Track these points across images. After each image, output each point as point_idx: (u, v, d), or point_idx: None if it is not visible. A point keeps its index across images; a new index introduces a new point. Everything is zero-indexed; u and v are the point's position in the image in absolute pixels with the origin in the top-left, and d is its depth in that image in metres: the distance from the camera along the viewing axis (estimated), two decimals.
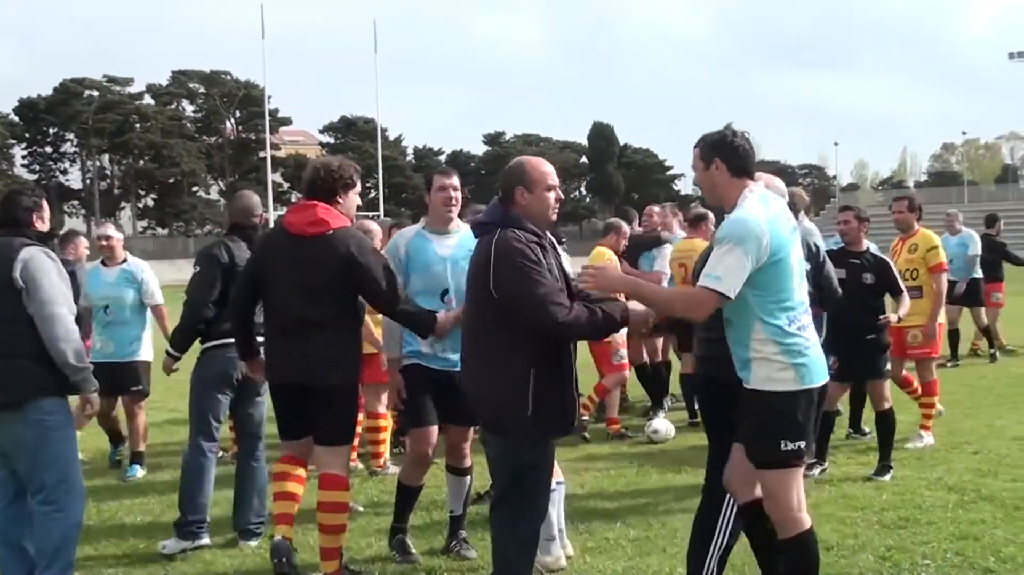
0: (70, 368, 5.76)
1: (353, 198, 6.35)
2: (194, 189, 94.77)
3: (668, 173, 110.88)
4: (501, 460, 5.23)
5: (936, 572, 6.19)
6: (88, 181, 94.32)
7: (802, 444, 4.95)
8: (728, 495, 5.38)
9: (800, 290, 5.02)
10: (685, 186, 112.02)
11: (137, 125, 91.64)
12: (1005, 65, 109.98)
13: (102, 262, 10.04)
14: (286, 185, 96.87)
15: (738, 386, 5.03)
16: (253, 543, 7.18)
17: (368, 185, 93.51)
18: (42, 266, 5.77)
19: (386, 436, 9.58)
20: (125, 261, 9.97)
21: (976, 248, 15.97)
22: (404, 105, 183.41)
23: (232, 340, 6.78)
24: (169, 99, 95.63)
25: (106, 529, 7.74)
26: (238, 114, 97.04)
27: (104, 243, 9.88)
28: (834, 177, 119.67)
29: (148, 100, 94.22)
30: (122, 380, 9.74)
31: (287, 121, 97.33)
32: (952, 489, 8.10)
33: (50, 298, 5.73)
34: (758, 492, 5.16)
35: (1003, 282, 16.98)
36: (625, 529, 7.24)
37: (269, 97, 76.93)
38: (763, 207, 4.94)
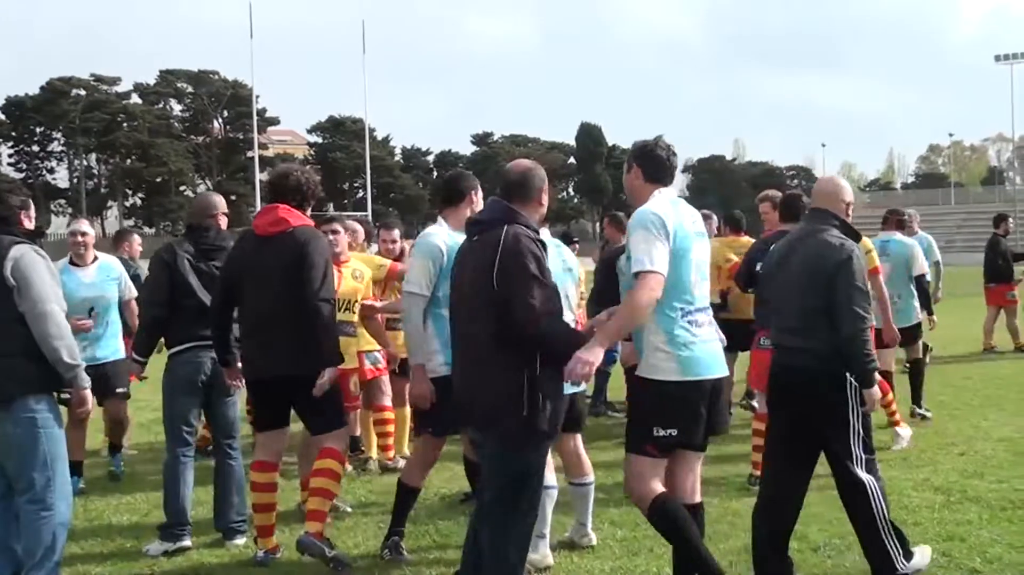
0: (63, 365, 5.78)
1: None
2: (181, 188, 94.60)
3: None
4: (497, 462, 5.23)
5: (923, 572, 6.20)
6: (75, 180, 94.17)
7: (674, 432, 5.34)
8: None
9: (698, 288, 5.39)
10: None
11: (124, 124, 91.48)
12: (992, 67, 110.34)
13: (71, 262, 9.11)
14: None
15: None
16: (239, 542, 7.18)
17: (356, 185, 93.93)
18: (33, 264, 5.77)
19: (393, 429, 9.62)
20: (96, 259, 9.27)
21: (935, 254, 14.33)
22: (392, 105, 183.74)
23: (196, 343, 7.02)
24: (156, 98, 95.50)
25: (93, 529, 7.73)
26: (226, 113, 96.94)
27: (80, 239, 9.10)
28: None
29: (136, 99, 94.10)
30: (108, 382, 9.09)
31: (275, 121, 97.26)
32: (938, 490, 8.13)
33: (42, 296, 5.73)
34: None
35: (1012, 281, 17.15)
36: (613, 529, 7.25)
37: (257, 97, 76.94)
38: (670, 206, 5.42)
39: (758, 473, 7.48)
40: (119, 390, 9.29)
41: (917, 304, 11.18)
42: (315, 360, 6.42)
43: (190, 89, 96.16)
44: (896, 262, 11.00)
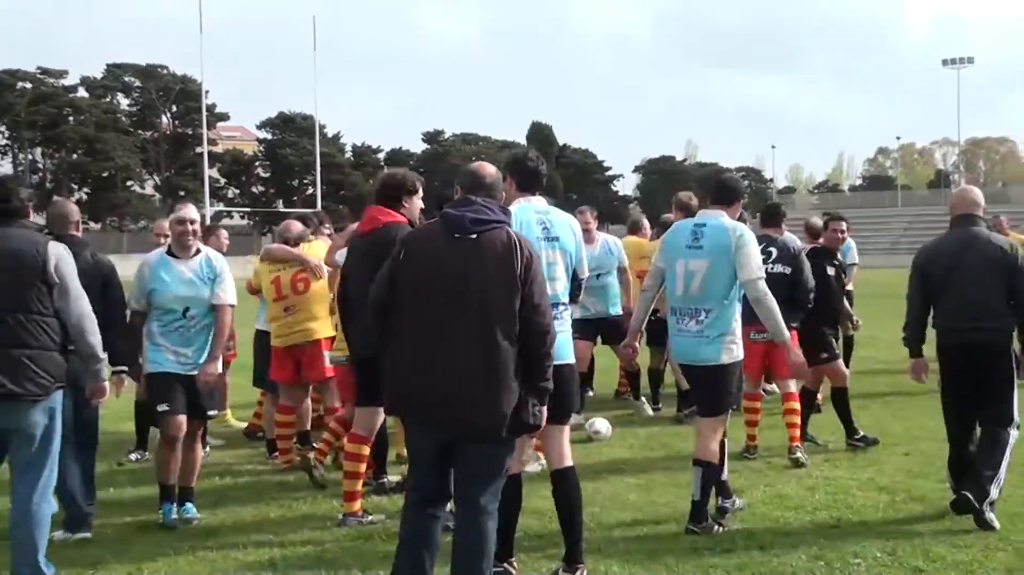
0: (96, 360, 6.20)
1: (416, 202, 7.51)
2: (128, 184, 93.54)
3: (607, 174, 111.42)
4: (499, 461, 5.40)
5: (867, 571, 6.27)
6: (20, 174, 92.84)
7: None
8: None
9: (549, 286, 5.89)
10: (624, 187, 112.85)
11: (71, 118, 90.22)
12: (939, 71, 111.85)
13: (169, 253, 7.77)
14: (223, 180, 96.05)
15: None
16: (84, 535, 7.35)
17: (306, 182, 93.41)
18: (69, 261, 6.09)
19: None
20: (199, 251, 7.86)
21: (853, 257, 14.62)
22: (343, 102, 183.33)
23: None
24: (104, 92, 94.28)
25: None
26: (174, 108, 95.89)
27: (188, 227, 7.75)
28: (771, 180, 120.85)
29: (82, 93, 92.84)
30: (200, 399, 7.85)
31: (224, 116, 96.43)
32: (883, 490, 8.21)
33: (80, 293, 6.09)
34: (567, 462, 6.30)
35: None
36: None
37: (206, 92, 76.35)
38: (521, 214, 6.12)
39: (755, 444, 9.64)
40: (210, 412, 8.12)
41: None
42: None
43: (138, 83, 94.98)
44: None
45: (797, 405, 9.57)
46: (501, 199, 5.77)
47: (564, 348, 6.15)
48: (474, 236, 5.28)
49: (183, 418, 7.58)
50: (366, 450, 7.60)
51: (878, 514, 7.51)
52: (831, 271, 10.21)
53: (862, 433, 10.02)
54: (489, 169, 5.77)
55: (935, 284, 7.59)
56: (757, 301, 7.18)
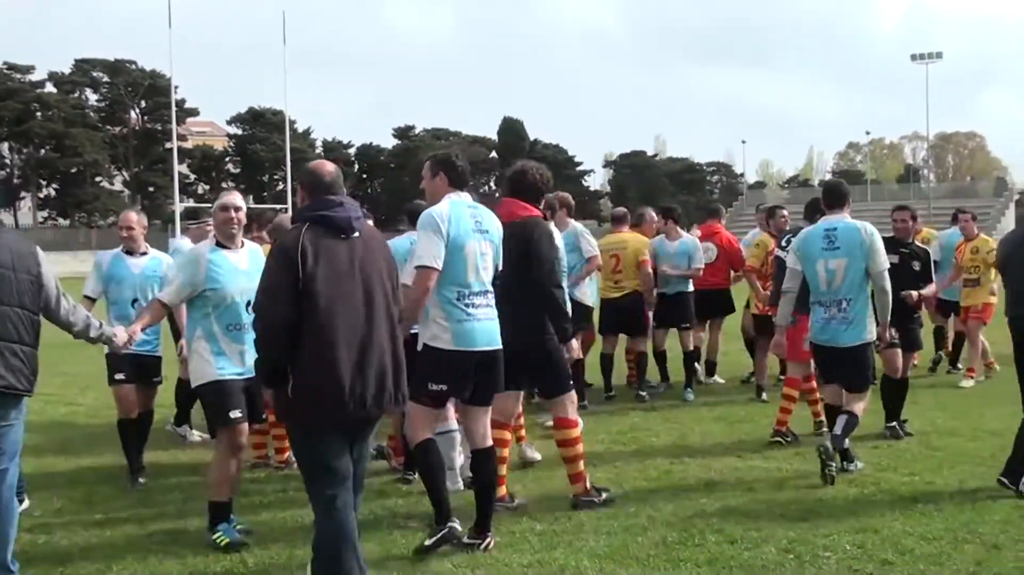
0: (96, 327, 6.56)
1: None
2: (97, 179, 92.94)
3: (578, 169, 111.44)
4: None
5: (837, 564, 6.30)
6: None
7: (444, 387, 6.71)
8: None
9: (477, 274, 6.69)
10: (594, 182, 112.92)
11: (38, 114, 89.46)
12: (908, 66, 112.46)
13: (219, 244, 7.26)
14: (193, 176, 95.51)
15: None
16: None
17: (276, 177, 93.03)
18: (46, 258, 6.24)
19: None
20: (243, 244, 7.53)
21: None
22: (313, 97, 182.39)
23: None
24: (72, 88, 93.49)
25: None
26: (143, 104, 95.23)
27: (233, 215, 7.25)
28: (741, 175, 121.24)
29: (50, 88, 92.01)
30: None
31: (194, 112, 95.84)
32: (852, 483, 8.24)
33: (60, 287, 6.27)
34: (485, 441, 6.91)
35: None
36: (531, 523, 7.25)
37: (176, 87, 75.66)
38: (451, 209, 6.70)
39: (784, 429, 9.82)
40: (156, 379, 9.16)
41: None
42: (539, 335, 7.40)
43: (106, 79, 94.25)
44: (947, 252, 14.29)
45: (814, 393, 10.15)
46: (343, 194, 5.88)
47: (492, 335, 6.78)
48: (357, 233, 5.53)
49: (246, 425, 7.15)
50: (507, 434, 7.81)
51: (848, 507, 7.54)
52: (895, 259, 9.65)
53: (895, 424, 10.16)
54: (329, 167, 5.81)
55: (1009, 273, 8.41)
56: (882, 290, 8.51)
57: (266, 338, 5.42)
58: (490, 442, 6.94)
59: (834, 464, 8.18)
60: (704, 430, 10.63)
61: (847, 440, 8.54)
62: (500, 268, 6.98)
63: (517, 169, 7.78)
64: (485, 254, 6.79)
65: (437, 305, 6.63)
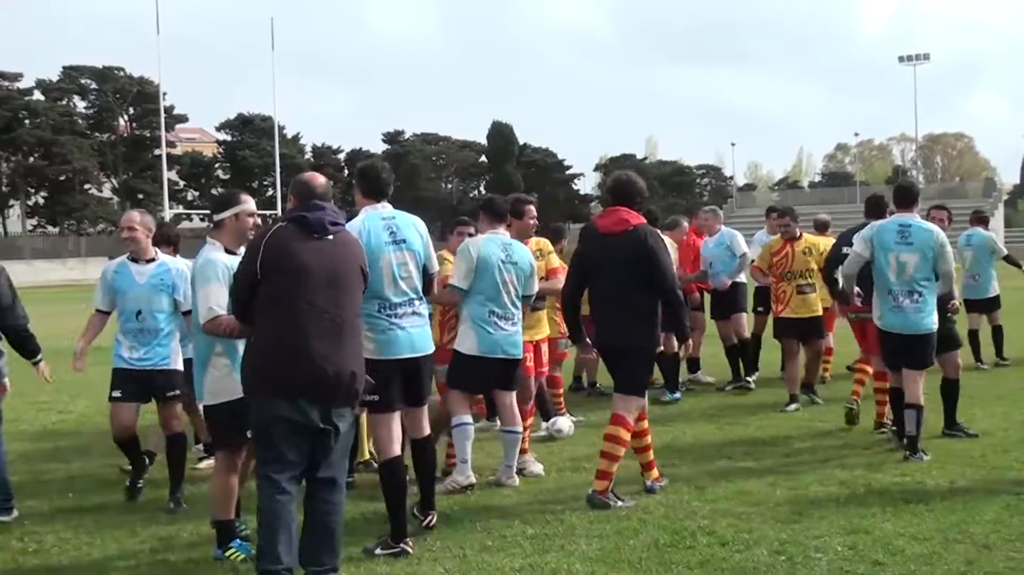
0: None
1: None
2: (86, 187, 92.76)
3: (567, 172, 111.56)
4: (349, 433, 6.24)
5: (828, 565, 6.30)
6: None
7: (376, 398, 6.72)
8: None
9: (396, 285, 6.88)
10: (584, 186, 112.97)
11: (27, 121, 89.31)
12: (896, 67, 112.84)
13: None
14: (182, 183, 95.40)
15: None
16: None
17: (266, 183, 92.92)
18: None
19: None
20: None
21: (741, 247, 13.95)
22: (302, 103, 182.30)
23: None
24: (60, 95, 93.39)
25: None
26: (132, 111, 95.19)
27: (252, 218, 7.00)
28: (731, 177, 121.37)
29: (38, 96, 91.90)
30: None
31: (183, 118, 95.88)
32: (843, 484, 8.25)
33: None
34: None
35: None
36: (523, 526, 7.25)
37: (164, 94, 75.97)
38: (362, 222, 6.89)
39: (888, 421, 10.20)
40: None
41: (995, 282, 15.65)
42: (647, 334, 7.90)
43: (95, 86, 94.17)
44: (978, 249, 15.63)
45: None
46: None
47: (418, 342, 7.00)
48: (331, 236, 6.00)
49: None
50: (623, 432, 7.93)
51: (839, 508, 7.54)
52: None
53: (961, 422, 10.16)
54: (320, 180, 6.34)
55: None
56: (948, 286, 9.53)
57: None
58: (427, 432, 7.29)
59: (927, 456, 9.01)
60: (696, 432, 10.64)
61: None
62: (433, 271, 7.26)
63: (622, 179, 8.22)
64: (403, 263, 6.96)
65: (364, 318, 6.49)
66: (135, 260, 8.15)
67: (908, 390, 9.24)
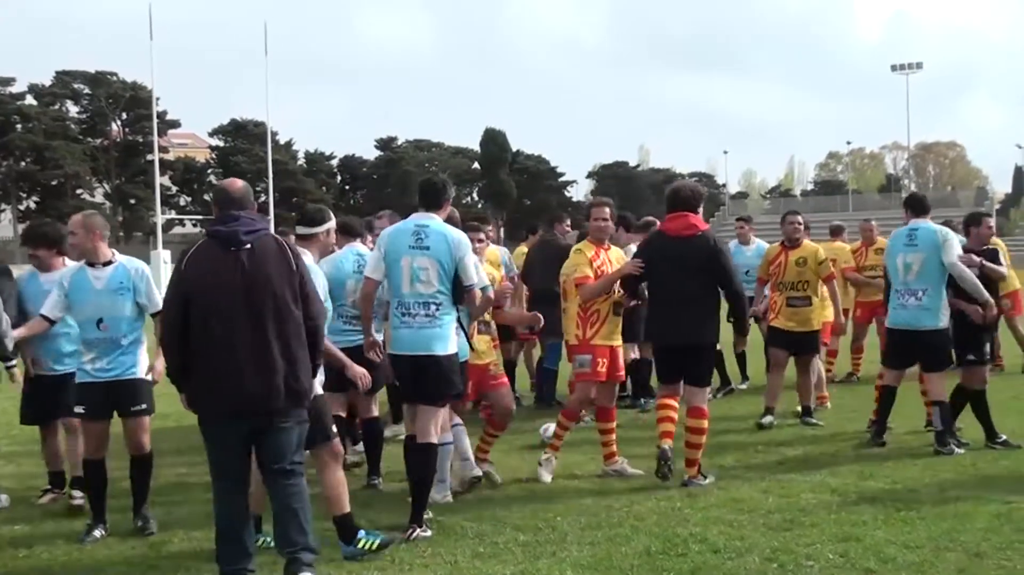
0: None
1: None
2: (78, 192, 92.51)
3: (560, 179, 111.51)
4: (294, 432, 6.26)
5: (820, 573, 6.30)
6: None
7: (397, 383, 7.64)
8: None
9: (411, 287, 7.27)
10: (577, 193, 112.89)
11: (19, 126, 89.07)
12: (889, 76, 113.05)
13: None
14: (175, 188, 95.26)
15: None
16: None
17: (259, 189, 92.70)
18: None
19: None
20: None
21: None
22: (295, 108, 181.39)
23: None
24: (52, 100, 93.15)
25: None
26: (125, 116, 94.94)
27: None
28: (723, 185, 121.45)
29: (30, 100, 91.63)
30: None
31: (175, 124, 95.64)
32: (835, 491, 8.26)
33: None
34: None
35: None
36: (515, 533, 7.24)
37: (157, 99, 75.51)
38: (396, 226, 7.59)
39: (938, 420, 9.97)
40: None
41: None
42: (715, 331, 8.78)
43: (87, 90, 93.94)
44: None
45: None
46: (253, 208, 6.31)
47: (427, 341, 7.27)
48: (248, 246, 6.02)
49: None
50: (705, 423, 8.77)
51: (830, 516, 7.54)
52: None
53: (1004, 436, 9.94)
54: (238, 184, 6.39)
55: None
56: (960, 278, 9.67)
57: (163, 343, 6.42)
58: (432, 439, 7.36)
59: (960, 448, 9.59)
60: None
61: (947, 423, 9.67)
62: (465, 283, 7.35)
63: (687, 187, 8.90)
64: (424, 268, 7.31)
65: (391, 312, 7.54)
66: (92, 265, 7.57)
67: (931, 389, 9.82)
